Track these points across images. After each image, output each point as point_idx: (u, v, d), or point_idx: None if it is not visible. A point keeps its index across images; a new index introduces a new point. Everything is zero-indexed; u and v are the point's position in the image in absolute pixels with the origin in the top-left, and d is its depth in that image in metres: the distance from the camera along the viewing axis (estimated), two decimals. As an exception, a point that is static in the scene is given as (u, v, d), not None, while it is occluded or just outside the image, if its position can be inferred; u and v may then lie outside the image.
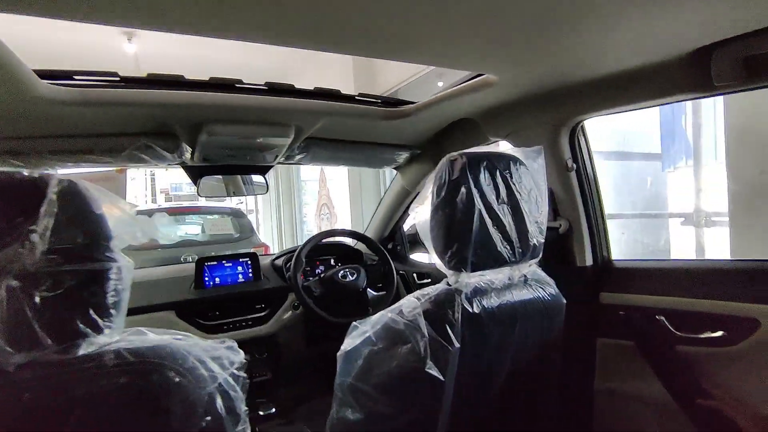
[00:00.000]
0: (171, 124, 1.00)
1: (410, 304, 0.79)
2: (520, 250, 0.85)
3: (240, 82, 0.96)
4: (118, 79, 0.86)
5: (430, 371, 0.72)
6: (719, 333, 0.85)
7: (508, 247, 0.84)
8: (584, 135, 1.05)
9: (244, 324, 1.47)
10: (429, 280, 1.71)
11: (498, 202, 0.83)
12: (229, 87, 0.95)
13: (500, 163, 0.85)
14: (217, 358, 0.60)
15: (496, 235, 0.83)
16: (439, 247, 0.81)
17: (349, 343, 0.84)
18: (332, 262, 1.73)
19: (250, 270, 1.58)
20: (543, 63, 0.82)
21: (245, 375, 0.63)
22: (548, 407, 0.97)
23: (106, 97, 0.84)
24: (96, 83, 0.84)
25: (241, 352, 0.63)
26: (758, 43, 0.64)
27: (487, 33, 0.72)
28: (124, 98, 0.86)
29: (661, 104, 0.88)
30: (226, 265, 1.54)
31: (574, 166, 1.04)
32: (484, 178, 0.82)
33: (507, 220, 0.84)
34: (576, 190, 1.06)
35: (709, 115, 2.67)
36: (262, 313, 1.51)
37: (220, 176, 1.37)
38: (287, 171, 5.92)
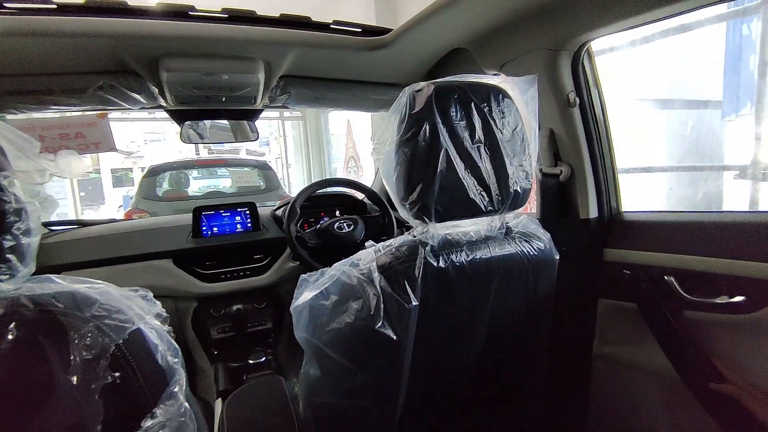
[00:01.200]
0: (127, 61, 0.93)
1: (368, 256, 0.71)
2: (499, 198, 0.74)
3: (193, 9, 0.86)
4: (54, 6, 0.78)
5: (383, 330, 0.65)
6: (739, 298, 0.71)
7: (484, 195, 0.72)
8: (591, 62, 0.88)
9: (242, 273, 1.47)
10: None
11: (472, 141, 0.71)
12: (181, 15, 0.86)
13: (477, 95, 0.72)
14: (130, 308, 0.56)
15: (468, 180, 0.71)
16: (401, 192, 0.71)
17: (301, 297, 0.79)
18: (337, 213, 1.68)
19: (249, 220, 1.55)
20: None
21: (168, 327, 0.59)
22: (540, 372, 0.88)
23: (42, 26, 0.78)
24: (29, 10, 0.77)
25: (158, 303, 0.58)
26: None
27: None
28: (62, 27, 0.79)
29: (684, 11, 0.68)
30: (223, 214, 1.52)
31: (578, 100, 0.88)
32: (454, 112, 0.70)
33: (483, 163, 0.72)
34: (580, 129, 0.90)
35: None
36: (261, 263, 1.50)
37: (205, 121, 1.31)
38: (316, 123, 5.84)
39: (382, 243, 0.74)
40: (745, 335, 0.71)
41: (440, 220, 0.71)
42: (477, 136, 0.71)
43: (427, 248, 0.70)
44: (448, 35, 0.99)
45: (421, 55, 1.11)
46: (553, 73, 0.86)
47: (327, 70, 1.17)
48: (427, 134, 0.67)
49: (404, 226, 1.66)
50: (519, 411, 0.87)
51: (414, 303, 0.67)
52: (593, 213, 0.94)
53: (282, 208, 1.60)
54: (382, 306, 0.65)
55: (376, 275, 0.67)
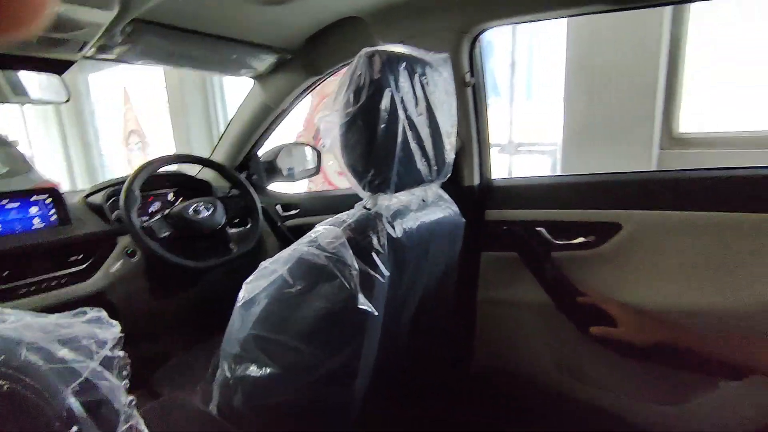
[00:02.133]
0: None
1: (328, 233, 0.65)
2: (436, 168, 0.79)
3: None
4: None
5: (363, 307, 0.62)
6: (590, 237, 0.97)
7: (426, 165, 0.76)
8: (481, 47, 1.01)
9: (54, 284, 1.08)
10: (297, 211, 1.56)
11: (417, 112, 0.73)
12: None
13: (417, 67, 0.73)
14: (72, 341, 0.37)
15: (416, 151, 0.73)
16: (359, 165, 0.67)
17: (250, 289, 0.67)
18: (170, 197, 1.40)
19: (52, 212, 1.15)
20: None
21: (122, 354, 0.41)
22: (439, 321, 0.99)
23: None
24: None
25: (115, 323, 0.40)
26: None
27: None
28: None
29: (568, 15, 0.88)
30: (8, 207, 1.08)
31: (473, 80, 1.00)
32: (404, 81, 0.70)
33: (425, 133, 0.75)
34: (471, 107, 1.03)
35: (524, 59, 3.05)
36: (81, 267, 1.14)
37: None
38: (73, 88, 4.57)
39: (330, 219, 0.69)
40: (597, 265, 0.98)
41: (396, 190, 0.71)
42: (419, 107, 0.73)
43: (383, 219, 0.69)
44: (348, 3, 0.96)
45: (309, 18, 1.04)
46: (455, 54, 0.95)
47: (199, 22, 0.95)
48: (388, 104, 0.65)
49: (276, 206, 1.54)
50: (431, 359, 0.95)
51: (386, 274, 0.66)
52: (477, 180, 1.09)
53: (101, 193, 1.25)
54: (359, 283, 0.62)
55: (347, 252, 0.63)
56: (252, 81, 1.35)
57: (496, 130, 3.43)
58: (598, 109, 1.85)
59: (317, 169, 1.67)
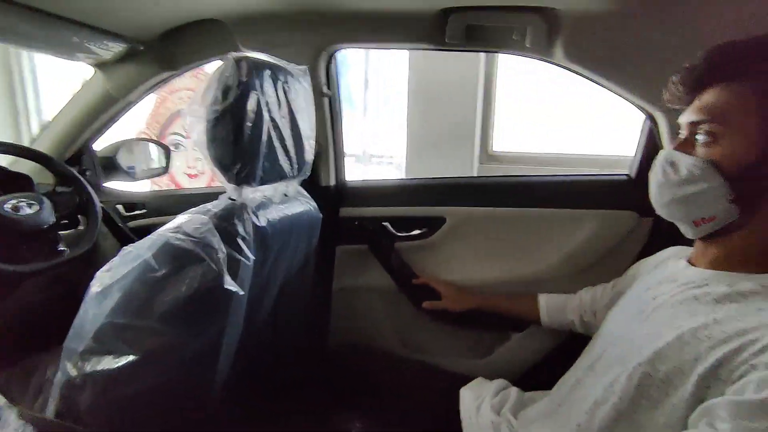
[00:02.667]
0: None
1: (193, 221, 0.70)
2: (297, 166, 0.89)
3: None
4: None
5: (230, 287, 0.68)
6: (424, 229, 1.19)
7: (288, 163, 0.85)
8: (336, 64, 1.15)
9: None
10: (144, 210, 1.46)
11: (280, 115, 0.82)
12: None
13: (280, 74, 0.83)
14: None
15: (279, 149, 0.82)
16: (226, 159, 0.73)
17: (107, 277, 0.66)
18: None
19: None
20: None
21: None
22: (298, 306, 1.08)
23: None
24: None
25: None
26: (475, 17, 0.90)
27: None
28: None
29: (408, 48, 1.08)
30: None
31: (329, 92, 1.13)
32: (269, 86, 0.79)
33: (287, 134, 0.85)
34: (328, 116, 1.16)
35: (376, 77, 3.37)
36: None
37: None
38: None
39: (196, 209, 0.74)
40: (428, 251, 1.19)
41: (261, 183, 0.79)
42: (282, 110, 0.83)
43: (249, 209, 0.77)
44: (214, 3, 0.99)
45: (170, 12, 1.03)
46: (314, 67, 1.06)
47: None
48: (255, 104, 0.73)
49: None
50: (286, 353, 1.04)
51: (252, 258, 0.73)
52: (332, 181, 1.22)
53: None
54: (226, 265, 0.68)
55: (213, 238, 0.68)
56: (91, 68, 1.24)
57: (352, 141, 3.68)
58: (433, 127, 2.18)
59: (165, 169, 1.58)
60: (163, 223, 0.71)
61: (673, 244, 0.78)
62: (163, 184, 3.05)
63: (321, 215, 1.05)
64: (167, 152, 1.56)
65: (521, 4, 0.85)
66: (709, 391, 0.50)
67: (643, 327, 0.63)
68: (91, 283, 0.68)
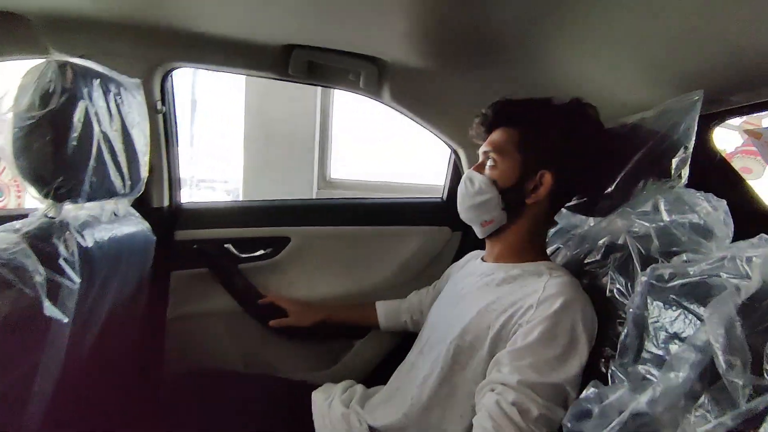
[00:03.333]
0: None
1: (2, 240, 0.60)
2: (130, 183, 0.83)
3: None
4: None
5: (50, 314, 0.60)
6: (268, 250, 1.20)
7: (120, 179, 0.80)
8: (172, 81, 1.10)
9: None
10: None
11: (112, 128, 0.77)
12: None
13: (112, 86, 0.79)
14: None
15: (110, 164, 0.77)
16: (44, 171, 0.65)
17: None
18: None
19: None
20: None
21: None
22: (129, 335, 0.98)
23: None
24: None
25: None
26: (317, 56, 1.00)
27: None
28: None
29: (250, 75, 1.10)
30: None
31: (164, 108, 1.07)
32: (99, 97, 0.74)
33: (119, 148, 0.80)
34: (162, 133, 1.09)
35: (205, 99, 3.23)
36: None
37: None
38: None
39: (8, 225, 0.64)
40: (273, 271, 1.21)
41: (87, 200, 0.72)
42: (114, 124, 0.78)
43: (72, 228, 0.70)
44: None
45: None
46: (147, 82, 1.00)
47: None
48: (82, 114, 0.68)
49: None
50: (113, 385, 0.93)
51: (77, 281, 0.66)
52: (166, 202, 1.15)
53: None
54: (46, 289, 0.61)
55: (29, 260, 0.60)
56: None
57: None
58: (272, 153, 2.22)
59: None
60: None
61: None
62: None
63: (155, 237, 0.98)
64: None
65: (357, 51, 0.99)
66: (497, 349, 0.68)
67: (454, 311, 0.80)
68: None
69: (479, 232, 0.84)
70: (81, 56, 0.98)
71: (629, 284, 0.66)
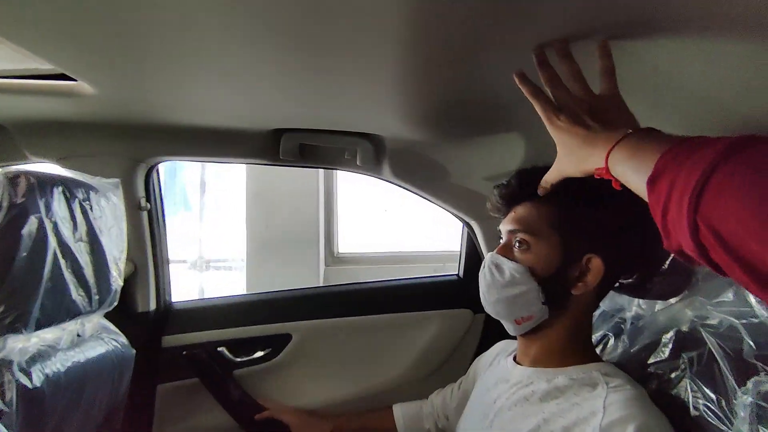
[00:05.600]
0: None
1: None
2: (97, 297, 0.72)
3: None
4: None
5: None
6: (267, 350, 1.06)
7: (84, 294, 0.69)
8: (158, 175, 1.03)
9: None
10: None
11: (75, 238, 0.68)
12: None
13: (78, 191, 0.70)
14: None
15: (71, 280, 0.67)
16: None
17: None
18: None
19: None
20: (130, 89, 0.74)
21: None
22: None
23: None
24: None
25: None
26: (307, 137, 0.93)
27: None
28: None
29: (241, 163, 1.03)
30: None
31: (148, 205, 0.99)
32: (59, 207, 0.65)
33: (84, 260, 0.69)
34: (146, 231, 1.00)
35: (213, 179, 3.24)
36: None
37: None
38: None
39: None
40: (273, 374, 1.06)
41: (38, 327, 0.61)
42: (79, 233, 0.69)
43: (14, 367, 0.58)
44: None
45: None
46: (129, 180, 0.93)
47: None
48: (34, 231, 0.59)
49: None
50: None
51: None
52: (152, 306, 1.03)
53: None
54: None
55: None
56: None
57: (187, 247, 3.34)
58: (275, 232, 2.13)
59: None
60: None
61: (503, 337, 0.85)
62: None
63: (133, 351, 0.86)
64: None
65: (350, 130, 0.92)
66: None
67: None
68: None
69: (512, 330, 0.68)
70: (59, 159, 0.94)
71: (721, 400, 0.50)
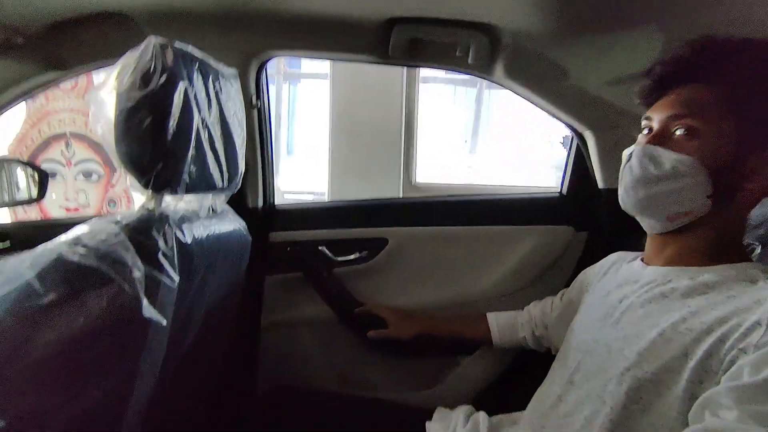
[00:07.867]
0: None
1: (98, 232, 0.54)
2: (228, 176, 0.76)
3: None
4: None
5: (149, 315, 0.52)
6: (364, 252, 1.10)
7: (219, 172, 0.73)
8: (267, 76, 1.05)
9: None
10: (6, 243, 1.16)
11: (210, 116, 0.71)
12: None
13: (211, 72, 0.72)
14: None
15: (209, 154, 0.70)
16: (144, 158, 0.59)
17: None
18: None
19: None
20: None
21: None
22: (222, 341, 0.92)
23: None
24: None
25: None
26: (420, 30, 0.88)
27: None
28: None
29: (348, 60, 1.01)
30: None
31: (259, 103, 1.02)
32: (198, 81, 0.67)
33: (218, 138, 0.73)
34: (256, 130, 1.04)
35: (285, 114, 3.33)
36: None
37: None
38: None
39: (100, 219, 0.58)
40: (370, 275, 1.11)
41: (187, 192, 0.65)
42: (212, 111, 0.72)
43: (171, 221, 0.63)
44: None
45: (62, 1, 0.86)
46: (243, 74, 0.96)
47: None
48: (182, 98, 0.62)
49: None
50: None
51: (176, 279, 0.59)
52: (260, 203, 1.09)
53: None
54: (145, 287, 0.53)
55: (129, 253, 0.53)
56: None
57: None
58: (356, 160, 2.17)
59: (41, 195, 1.29)
60: None
61: (607, 255, 0.81)
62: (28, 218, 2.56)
63: (251, 237, 0.92)
64: (43, 178, 1.28)
65: (467, 19, 0.86)
66: (702, 385, 0.48)
67: (616, 331, 0.61)
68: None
69: (657, 227, 0.62)
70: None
71: None
